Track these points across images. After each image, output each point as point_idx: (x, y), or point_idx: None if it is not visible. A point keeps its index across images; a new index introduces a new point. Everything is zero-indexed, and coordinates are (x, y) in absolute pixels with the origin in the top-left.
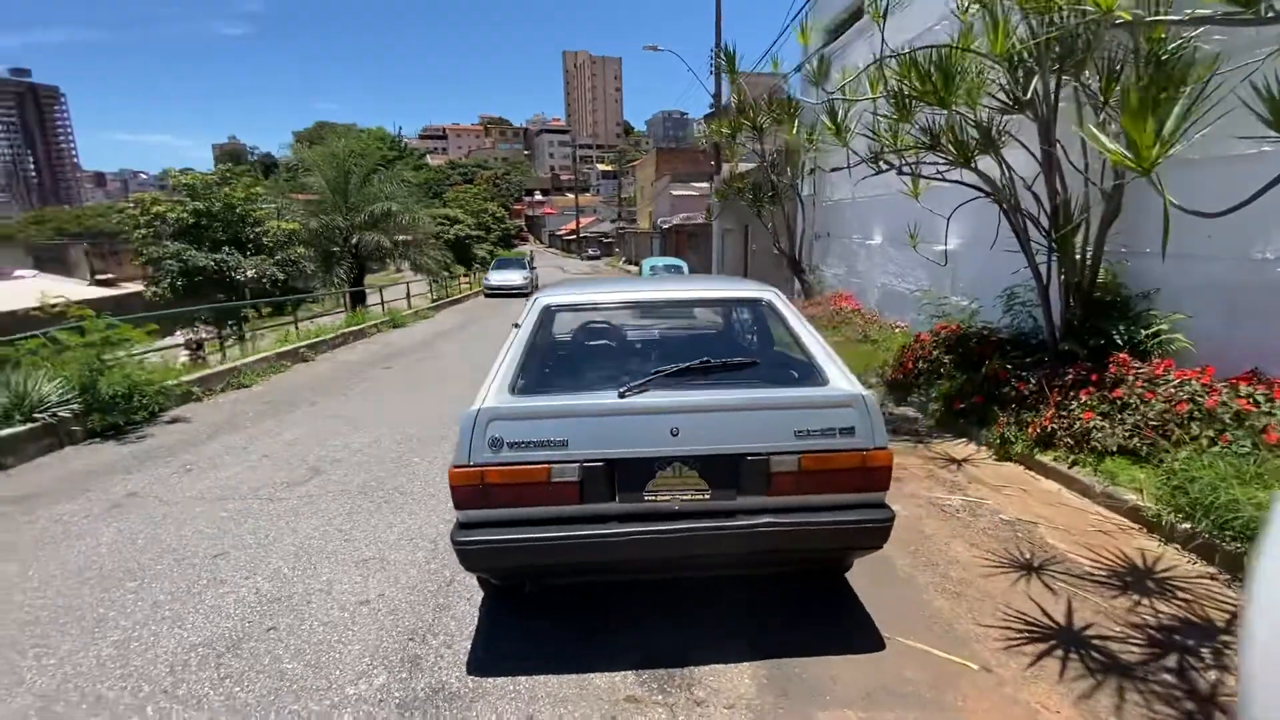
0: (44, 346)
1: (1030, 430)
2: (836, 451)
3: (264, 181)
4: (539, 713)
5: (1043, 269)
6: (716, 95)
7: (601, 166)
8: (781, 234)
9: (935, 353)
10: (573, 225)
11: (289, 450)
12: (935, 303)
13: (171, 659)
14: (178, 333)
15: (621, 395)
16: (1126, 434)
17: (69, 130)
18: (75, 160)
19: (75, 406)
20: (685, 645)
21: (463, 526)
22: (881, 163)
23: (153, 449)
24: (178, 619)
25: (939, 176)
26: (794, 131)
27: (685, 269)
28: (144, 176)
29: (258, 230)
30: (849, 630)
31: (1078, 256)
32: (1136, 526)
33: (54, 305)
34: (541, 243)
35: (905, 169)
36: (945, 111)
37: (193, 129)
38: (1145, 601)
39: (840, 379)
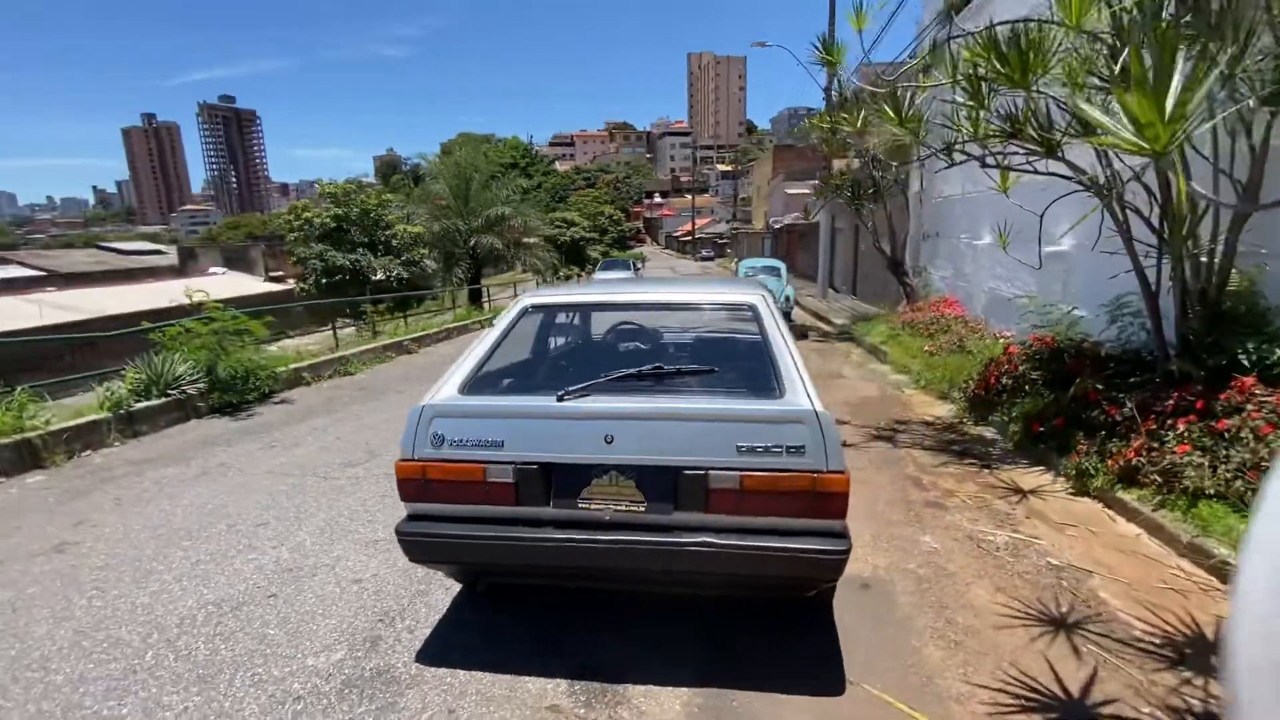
0: (184, 333)
1: (1112, 462)
2: (782, 472)
3: (393, 189)
4: (462, 709)
5: (1151, 273)
6: (827, 89)
7: (721, 167)
8: (883, 234)
9: (1021, 368)
10: (689, 227)
11: (359, 434)
12: (1039, 310)
13: (184, 613)
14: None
15: (560, 399)
16: (1230, 474)
17: (262, 147)
18: (266, 173)
19: (201, 385)
20: (631, 660)
21: (410, 519)
22: (956, 154)
23: (253, 426)
24: (206, 578)
25: (1028, 168)
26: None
27: (783, 271)
28: (316, 186)
29: (388, 233)
30: (811, 668)
31: (1203, 259)
32: (1222, 588)
33: (195, 298)
34: (658, 244)
35: (989, 160)
36: (1026, 94)
37: (358, 143)
38: (1198, 682)
39: (799, 393)
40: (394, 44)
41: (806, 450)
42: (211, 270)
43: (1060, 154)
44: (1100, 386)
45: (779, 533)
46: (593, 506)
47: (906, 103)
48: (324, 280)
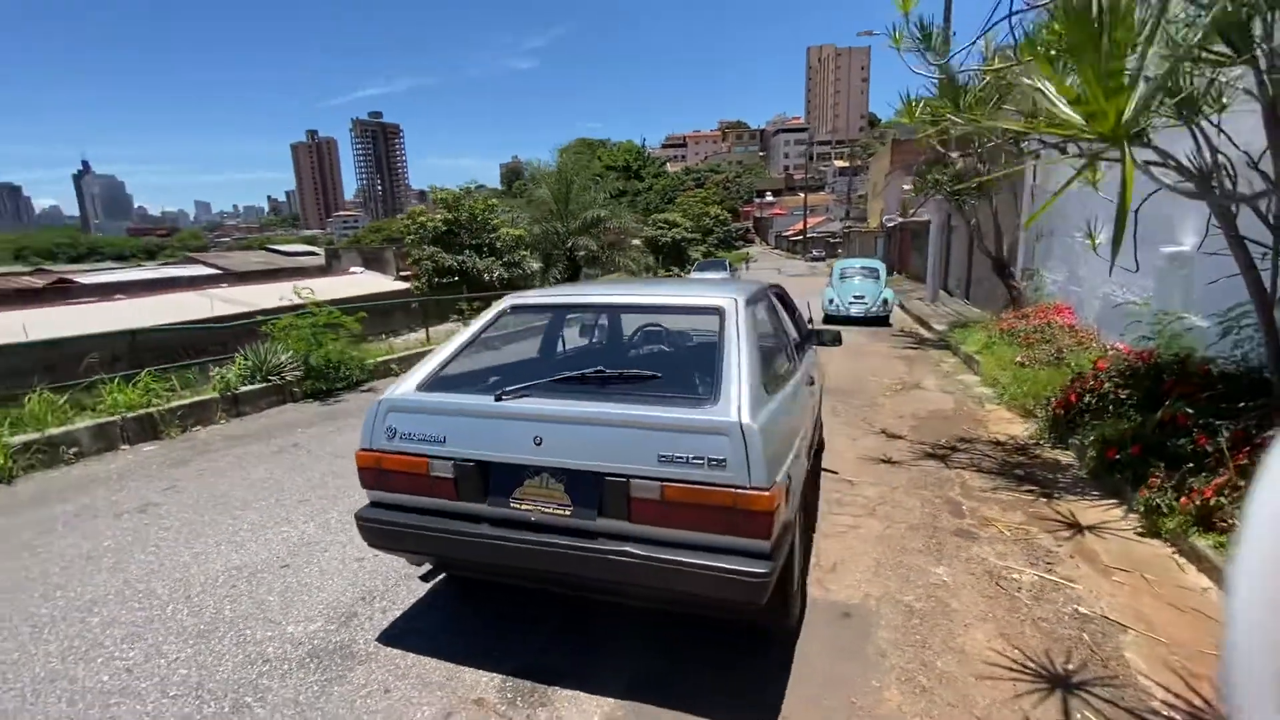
0: (289, 326)
1: (1186, 500)
2: (702, 485)
3: (514, 195)
4: (397, 689)
5: (1267, 276)
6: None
7: (839, 163)
8: (988, 232)
9: (1107, 385)
10: (800, 226)
11: None
12: (1150, 320)
13: (211, 574)
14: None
15: (497, 399)
16: None
17: (404, 157)
18: (407, 181)
19: (298, 372)
20: (575, 665)
21: (369, 505)
22: (1023, 142)
23: (335, 411)
24: (240, 544)
25: (1104, 157)
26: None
27: (882, 272)
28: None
29: (493, 236)
30: (748, 696)
31: None
32: None
33: (303, 295)
34: (767, 244)
35: (1060, 148)
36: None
37: (487, 150)
38: None
39: (729, 403)
40: (524, 56)
41: (728, 464)
42: (352, 270)
43: (1147, 139)
44: (1191, 410)
45: (700, 548)
46: (523, 507)
47: (974, 84)
48: (435, 280)
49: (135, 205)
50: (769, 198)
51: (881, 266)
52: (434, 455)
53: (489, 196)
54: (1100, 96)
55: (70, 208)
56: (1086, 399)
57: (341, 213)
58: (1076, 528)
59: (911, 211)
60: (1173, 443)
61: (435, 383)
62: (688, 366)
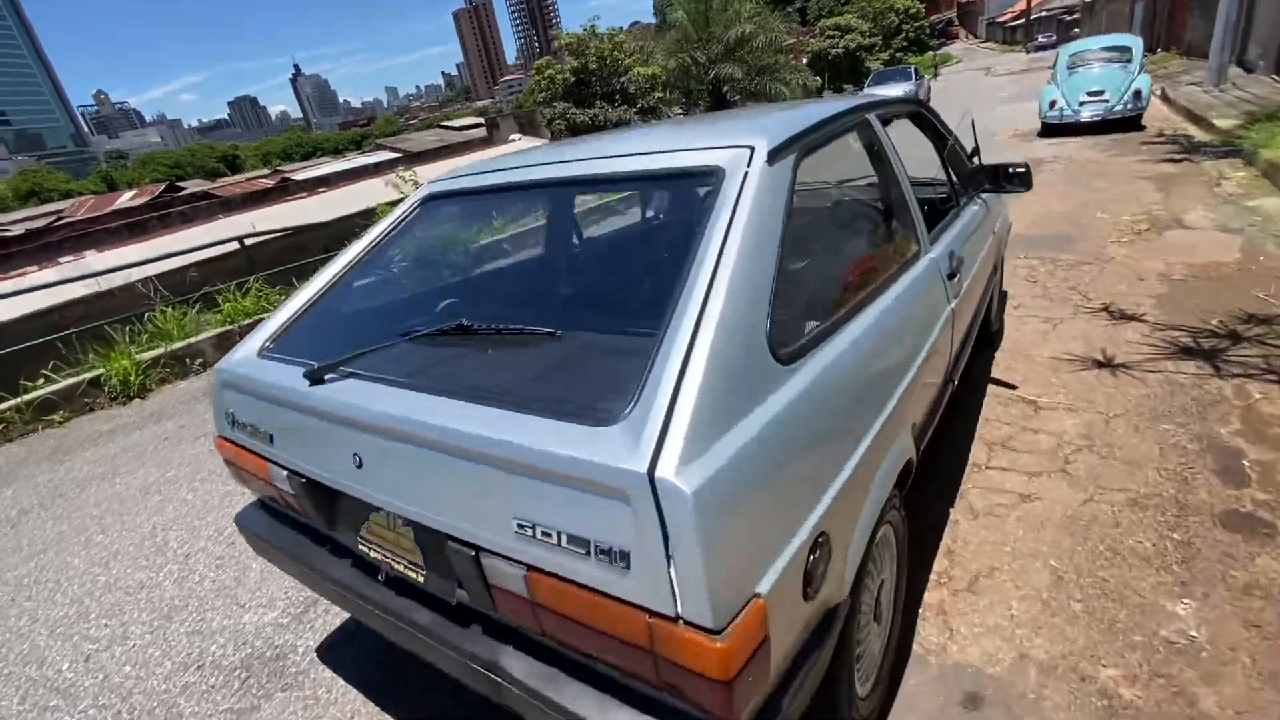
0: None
1: None
2: (588, 590)
3: (650, 34)
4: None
5: None
6: None
7: None
8: None
9: None
10: (1022, 5)
11: None
12: None
13: (215, 530)
14: None
15: (310, 381)
16: None
17: (557, 12)
18: (562, 31)
19: None
20: None
21: (256, 504)
22: None
23: None
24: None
25: None
26: None
27: (1136, 51)
28: (554, 42)
29: (623, 80)
30: None
31: None
32: None
33: (404, 189)
34: (975, 37)
35: None
36: None
37: None
38: None
39: (649, 426)
40: None
41: (632, 564)
42: (511, 138)
43: None
44: None
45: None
46: (371, 553)
47: None
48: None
49: (340, 100)
50: None
51: (1136, 44)
52: (270, 459)
53: (615, 33)
54: None
55: (295, 111)
56: None
57: (506, 78)
58: None
59: None
60: None
61: (288, 339)
62: (616, 311)
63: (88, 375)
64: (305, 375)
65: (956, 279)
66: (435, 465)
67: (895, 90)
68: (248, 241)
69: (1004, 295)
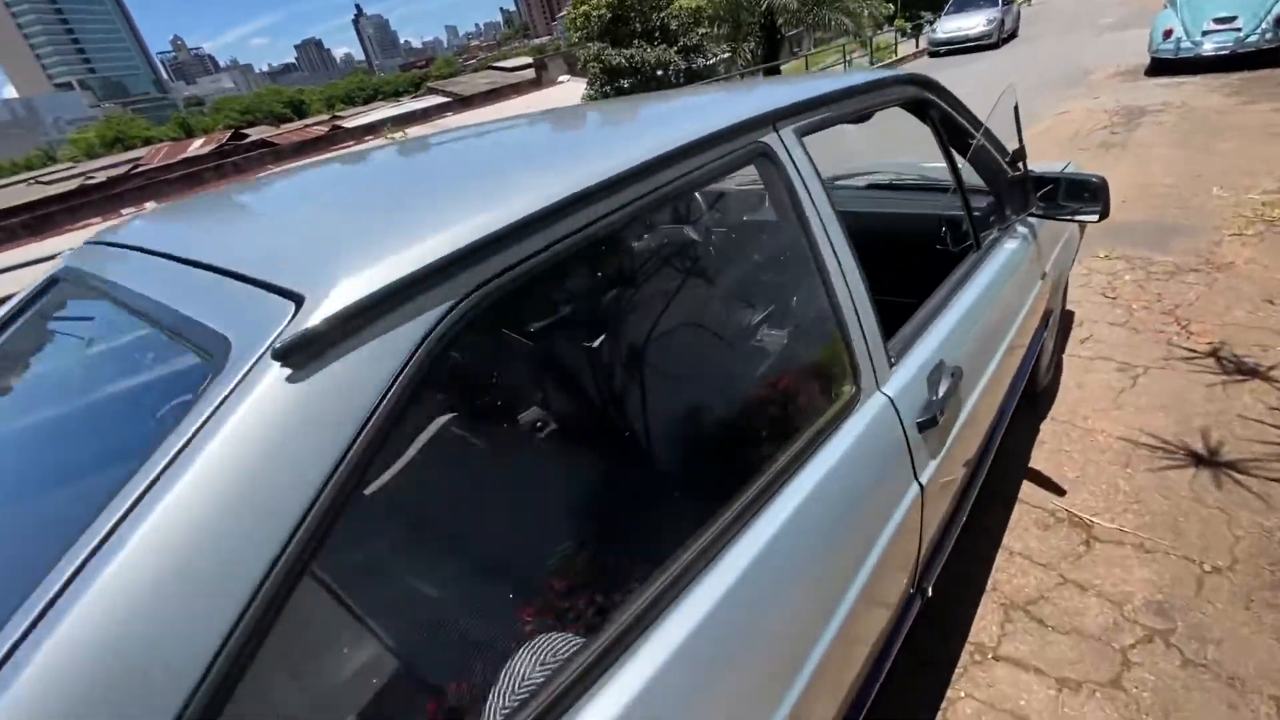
0: None
1: None
2: None
3: None
4: None
5: None
6: None
7: None
8: None
9: None
10: None
11: None
12: None
13: None
14: None
15: None
16: None
17: None
18: None
19: None
20: None
21: None
22: None
23: None
24: None
25: None
26: None
27: None
28: None
29: (663, 14)
30: None
31: None
32: None
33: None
34: None
35: None
36: None
37: None
38: None
39: None
40: None
41: None
42: (560, 79)
43: None
44: None
45: None
46: None
47: None
48: (606, 87)
49: (401, 40)
50: None
51: None
52: None
53: None
54: None
55: (359, 53)
56: None
57: (564, 13)
58: None
59: None
60: None
61: None
62: None
63: None
64: None
65: (940, 424)
66: None
67: (976, 20)
68: None
69: (1069, 317)
